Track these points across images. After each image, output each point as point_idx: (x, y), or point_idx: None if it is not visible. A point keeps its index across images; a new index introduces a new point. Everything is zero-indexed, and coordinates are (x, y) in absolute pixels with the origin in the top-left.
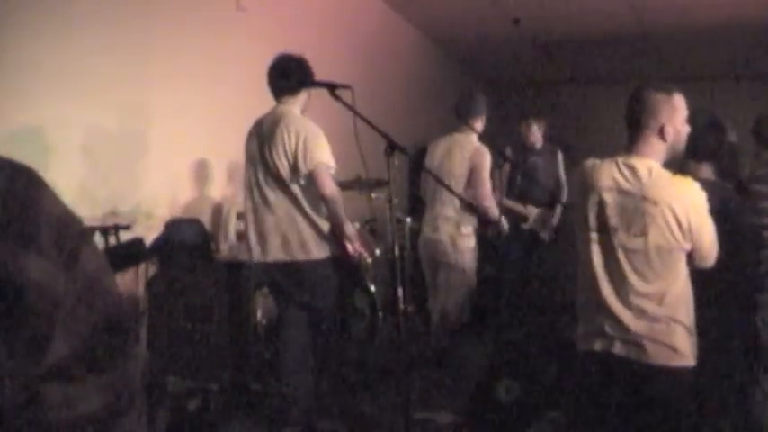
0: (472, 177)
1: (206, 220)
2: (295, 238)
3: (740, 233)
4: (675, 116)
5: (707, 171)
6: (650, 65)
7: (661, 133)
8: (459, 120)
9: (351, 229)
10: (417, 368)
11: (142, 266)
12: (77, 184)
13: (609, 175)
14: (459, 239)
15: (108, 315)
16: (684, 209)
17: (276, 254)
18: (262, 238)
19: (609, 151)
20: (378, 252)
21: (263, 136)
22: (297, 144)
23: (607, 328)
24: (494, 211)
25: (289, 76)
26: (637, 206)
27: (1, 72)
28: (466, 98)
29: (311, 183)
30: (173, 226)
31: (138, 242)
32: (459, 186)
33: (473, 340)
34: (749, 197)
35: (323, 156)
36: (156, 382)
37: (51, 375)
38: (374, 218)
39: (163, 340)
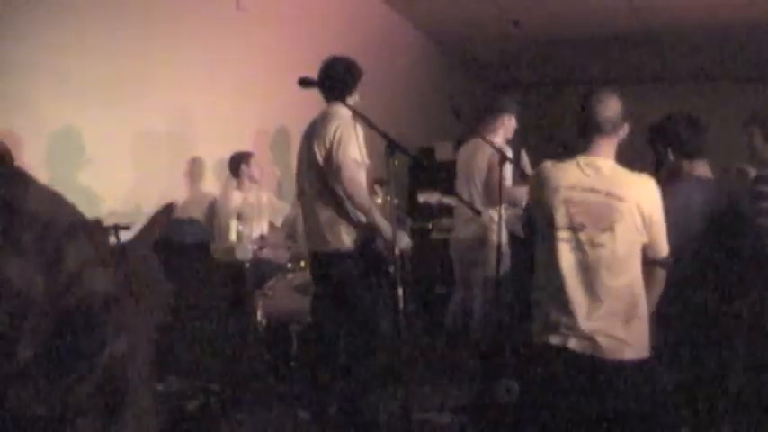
0: (487, 176)
1: (205, 220)
2: (328, 228)
3: (743, 229)
4: (623, 118)
5: (703, 169)
6: (650, 65)
7: (616, 134)
8: (480, 123)
9: (384, 222)
10: (417, 368)
11: None
12: (78, 184)
13: (573, 174)
14: (486, 237)
15: (75, 311)
16: (649, 204)
17: (316, 245)
18: (309, 228)
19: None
20: None
21: (310, 135)
22: (333, 138)
23: (562, 327)
24: (515, 199)
25: (334, 79)
26: (603, 203)
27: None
28: (490, 100)
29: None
30: (173, 226)
31: None
32: (481, 185)
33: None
34: (753, 198)
35: (350, 151)
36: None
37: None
38: None
39: (163, 340)
